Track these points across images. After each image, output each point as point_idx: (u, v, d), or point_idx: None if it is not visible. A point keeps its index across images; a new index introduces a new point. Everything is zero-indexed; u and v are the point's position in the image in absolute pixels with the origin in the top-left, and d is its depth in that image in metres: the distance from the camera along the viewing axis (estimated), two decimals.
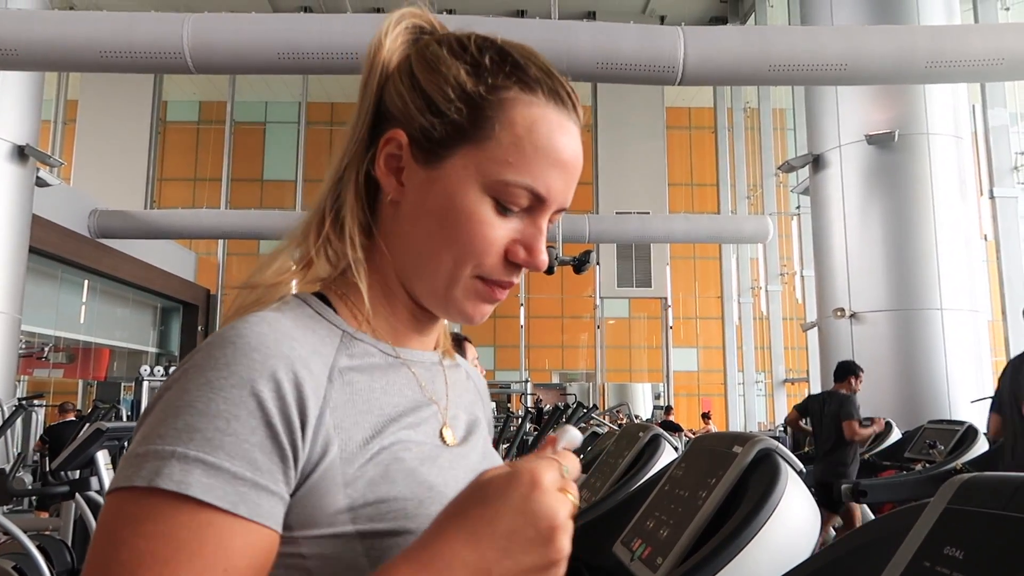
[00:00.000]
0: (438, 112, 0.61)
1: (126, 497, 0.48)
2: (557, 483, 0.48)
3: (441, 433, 0.64)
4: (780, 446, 1.01)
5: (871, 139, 6.85)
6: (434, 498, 0.58)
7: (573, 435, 0.54)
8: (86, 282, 11.40)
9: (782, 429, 9.75)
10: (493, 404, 16.28)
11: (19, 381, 8.08)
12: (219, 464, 0.48)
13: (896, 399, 6.39)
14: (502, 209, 0.60)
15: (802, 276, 11.51)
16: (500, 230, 0.60)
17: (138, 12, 5.79)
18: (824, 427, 4.86)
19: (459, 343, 2.50)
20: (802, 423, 5.32)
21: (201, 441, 0.48)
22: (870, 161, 6.94)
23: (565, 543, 0.48)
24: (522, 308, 15.72)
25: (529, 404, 14.03)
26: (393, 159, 0.62)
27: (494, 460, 0.71)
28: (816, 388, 9.60)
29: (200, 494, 0.47)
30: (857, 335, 6.79)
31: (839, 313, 6.92)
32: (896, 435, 5.50)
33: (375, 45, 0.65)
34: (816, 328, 7.58)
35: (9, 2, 6.43)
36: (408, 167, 0.62)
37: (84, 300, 11.53)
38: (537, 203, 0.61)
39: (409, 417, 0.61)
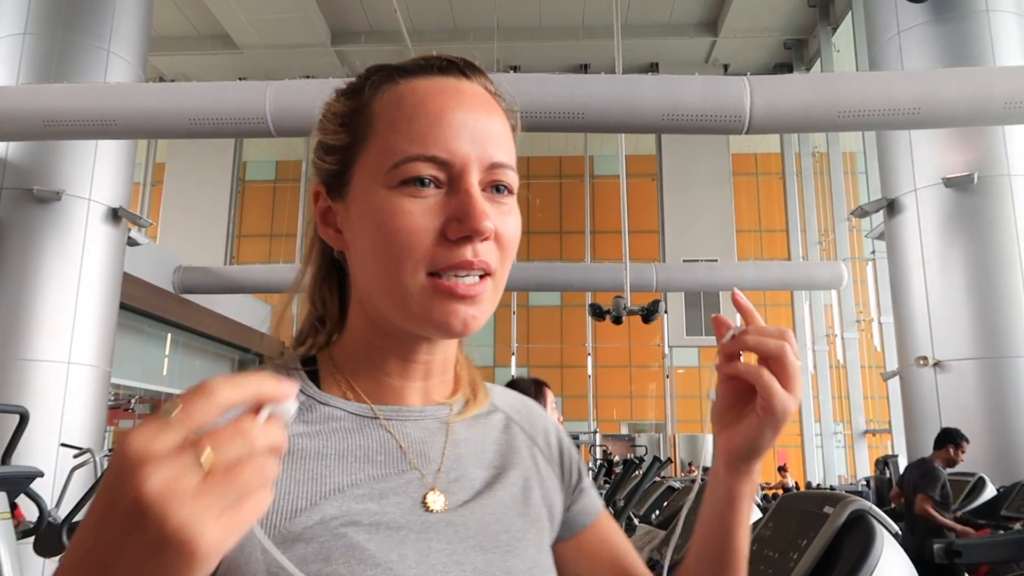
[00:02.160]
0: (330, 148, 0.61)
1: None
2: (153, 444, 0.34)
3: (424, 500, 0.57)
4: (874, 507, 0.99)
5: (949, 182, 6.66)
6: None
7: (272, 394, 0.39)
8: (169, 335, 11.88)
9: (864, 483, 9.35)
10: None
11: (106, 432, 8.42)
12: None
13: (989, 452, 6.06)
14: (415, 192, 0.55)
15: (880, 323, 11.14)
16: (421, 215, 0.55)
17: (224, 82, 6.14)
18: (911, 498, 4.60)
19: (539, 388, 2.47)
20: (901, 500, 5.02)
21: None
22: (949, 204, 6.74)
23: (168, 512, 0.33)
24: (589, 357, 15.62)
25: (598, 456, 13.83)
26: (327, 214, 0.62)
27: (502, 528, 0.60)
28: (899, 439, 9.20)
29: None
30: (943, 385, 6.51)
31: (922, 362, 6.66)
32: (991, 491, 5.22)
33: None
34: (898, 377, 7.30)
35: (108, 76, 6.91)
36: (337, 213, 0.61)
37: (167, 353, 12.00)
38: (447, 169, 0.56)
39: (367, 486, 0.55)
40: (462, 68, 0.60)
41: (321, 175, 0.62)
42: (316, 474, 0.54)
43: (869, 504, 1.05)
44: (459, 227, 0.55)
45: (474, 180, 0.56)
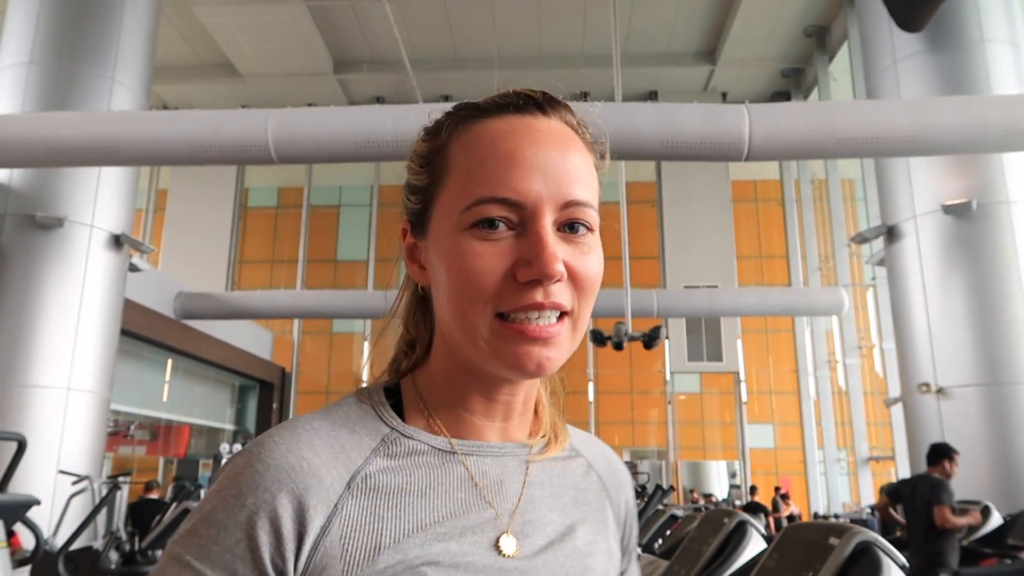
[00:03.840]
0: (413, 188, 0.62)
1: None
2: None
3: (497, 543, 0.56)
4: (880, 538, 0.99)
5: (948, 209, 6.69)
6: None
7: None
8: (170, 361, 11.86)
9: (869, 512, 9.28)
10: None
11: (105, 458, 8.37)
12: (202, 572, 0.50)
13: (993, 480, 6.02)
14: (485, 235, 0.55)
15: (882, 349, 11.12)
16: (492, 257, 0.55)
17: (227, 110, 6.19)
18: (917, 514, 4.59)
19: None
20: (893, 511, 5.03)
21: (196, 548, 0.50)
22: (948, 231, 6.76)
23: None
24: (591, 384, 15.57)
25: None
26: (413, 250, 0.63)
27: (591, 567, 0.61)
28: (903, 466, 9.15)
29: None
30: (946, 411, 6.49)
31: (925, 388, 6.64)
32: (996, 520, 5.17)
33: None
34: (900, 403, 7.27)
35: (112, 104, 6.97)
36: (420, 250, 0.62)
37: (167, 379, 11.97)
38: (518, 211, 0.55)
39: (448, 524, 0.55)
40: (540, 103, 0.60)
41: (407, 213, 0.64)
42: (399, 511, 0.54)
43: (875, 535, 1.04)
44: (528, 270, 0.54)
45: (546, 221, 0.55)
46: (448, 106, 0.64)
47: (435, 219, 0.59)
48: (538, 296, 0.54)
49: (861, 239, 7.81)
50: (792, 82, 14.34)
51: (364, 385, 0.64)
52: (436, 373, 0.62)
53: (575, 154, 0.58)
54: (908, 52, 7.17)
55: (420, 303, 0.66)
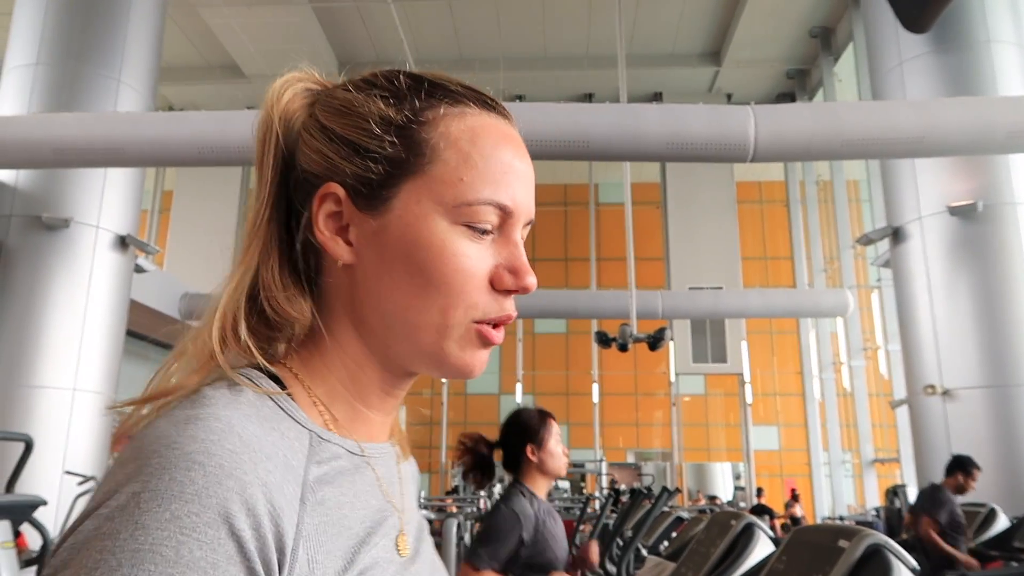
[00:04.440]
0: (367, 152, 0.54)
1: None
2: None
3: (396, 543, 0.55)
4: (890, 541, 0.98)
5: (954, 210, 6.67)
6: None
7: None
8: None
9: (874, 513, 9.26)
10: (567, 484, 15.94)
11: (110, 459, 8.41)
12: None
13: (1000, 482, 6.00)
14: (474, 235, 0.54)
15: (887, 351, 11.09)
16: (478, 259, 0.54)
17: (232, 111, 6.20)
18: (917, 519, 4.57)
19: (543, 419, 2.45)
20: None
21: None
22: (954, 232, 6.75)
23: None
24: (595, 385, 15.56)
25: (605, 485, 13.73)
26: (333, 219, 0.55)
27: (442, 572, 0.62)
28: (908, 468, 9.13)
29: None
30: (952, 413, 6.47)
31: (930, 390, 6.62)
32: (1003, 522, 5.15)
33: (265, 116, 0.59)
34: (906, 405, 7.25)
35: (118, 105, 6.99)
36: (353, 222, 0.55)
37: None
38: (506, 218, 0.55)
39: (376, 534, 0.53)
40: (508, 114, 0.59)
41: (341, 176, 0.55)
42: (343, 525, 0.50)
43: (886, 538, 1.03)
44: (512, 280, 0.55)
45: (520, 233, 0.57)
46: (398, 69, 0.60)
47: (404, 196, 0.54)
48: (511, 308, 0.55)
49: (866, 240, 7.79)
50: (797, 83, 14.33)
51: (222, 366, 0.51)
52: (334, 363, 0.56)
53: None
54: (914, 53, 7.15)
55: (291, 277, 0.56)
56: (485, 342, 0.55)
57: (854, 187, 14.79)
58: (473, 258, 0.53)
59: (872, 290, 12.85)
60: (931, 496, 4.50)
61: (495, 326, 0.55)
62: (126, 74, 7.17)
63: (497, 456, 2.33)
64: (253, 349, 0.53)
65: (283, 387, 0.53)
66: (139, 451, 0.43)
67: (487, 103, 0.58)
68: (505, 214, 0.55)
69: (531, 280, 0.55)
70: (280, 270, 0.56)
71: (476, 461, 2.27)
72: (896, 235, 7.28)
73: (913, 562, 0.99)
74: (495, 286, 0.54)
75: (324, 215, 0.55)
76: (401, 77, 0.58)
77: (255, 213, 0.57)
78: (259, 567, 0.41)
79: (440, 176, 0.54)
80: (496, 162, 0.55)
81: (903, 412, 7.99)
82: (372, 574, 0.50)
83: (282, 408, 0.51)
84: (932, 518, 4.39)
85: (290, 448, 0.49)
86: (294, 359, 0.56)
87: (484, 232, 0.54)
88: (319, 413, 0.54)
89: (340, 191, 0.54)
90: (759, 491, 12.47)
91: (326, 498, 0.49)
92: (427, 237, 0.53)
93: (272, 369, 0.54)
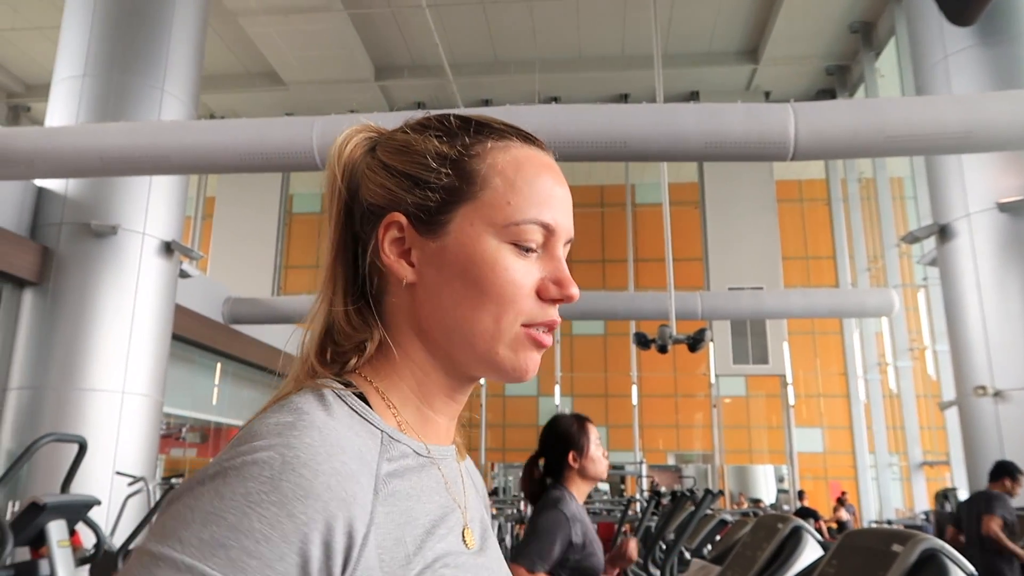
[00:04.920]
0: (426, 184, 0.62)
1: None
2: None
3: (463, 536, 0.61)
4: (946, 546, 0.96)
5: (1003, 207, 6.49)
6: None
7: None
8: (219, 365, 12.10)
9: (923, 517, 9.05)
10: (607, 486, 15.86)
11: (159, 460, 8.58)
12: None
13: None
14: (520, 252, 0.61)
15: (935, 351, 10.83)
16: (525, 273, 0.61)
17: (273, 118, 6.31)
18: (972, 531, 4.44)
19: (581, 424, 2.44)
20: (961, 537, 4.86)
21: (224, 561, 0.44)
22: (1004, 229, 6.56)
23: None
24: (634, 387, 15.46)
25: (645, 487, 13.62)
26: (397, 244, 0.63)
27: (507, 571, 0.67)
28: (959, 471, 8.90)
29: None
30: (1004, 415, 6.29)
31: (981, 391, 6.45)
32: None
33: (329, 171, 0.67)
34: (955, 407, 7.07)
35: (162, 114, 7.15)
36: (415, 246, 0.62)
37: (217, 382, 12.21)
38: (549, 236, 0.62)
39: (442, 527, 0.58)
40: (544, 147, 0.67)
41: (404, 206, 0.62)
42: (411, 516, 0.55)
43: (941, 543, 1.01)
44: (557, 290, 0.62)
45: (562, 249, 0.64)
46: (449, 112, 0.68)
47: (459, 220, 0.61)
48: (555, 314, 0.63)
49: (912, 239, 7.62)
50: (837, 80, 14.07)
51: (306, 379, 0.62)
52: (403, 371, 0.63)
53: None
54: (959, 47, 6.98)
55: (360, 297, 0.64)
56: (536, 344, 0.62)
57: (898, 184, 14.48)
58: (520, 272, 0.61)
59: (918, 289, 12.56)
60: (990, 498, 4.39)
61: (545, 331, 0.63)
62: (169, 84, 7.33)
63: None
64: (333, 365, 0.62)
65: (359, 395, 0.61)
66: (236, 442, 0.51)
67: (528, 138, 0.66)
68: (548, 232, 0.62)
69: (574, 290, 0.62)
70: (346, 300, 0.64)
71: (536, 485, 2.36)
72: (943, 233, 7.10)
73: (971, 567, 0.97)
74: (541, 296, 0.62)
75: (389, 241, 0.63)
76: (451, 118, 0.66)
77: (327, 254, 0.66)
78: (316, 552, 0.47)
79: (490, 201, 0.61)
80: (539, 187, 0.62)
81: (952, 414, 7.79)
82: (442, 563, 0.55)
83: (356, 411, 0.58)
84: (996, 515, 4.29)
85: (364, 445, 0.55)
86: (368, 370, 0.63)
87: (529, 249, 0.62)
88: (392, 416, 0.61)
89: (402, 219, 0.62)
90: (800, 493, 12.26)
91: (396, 491, 0.55)
92: (480, 254, 0.60)
93: (349, 380, 0.62)
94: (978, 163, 6.76)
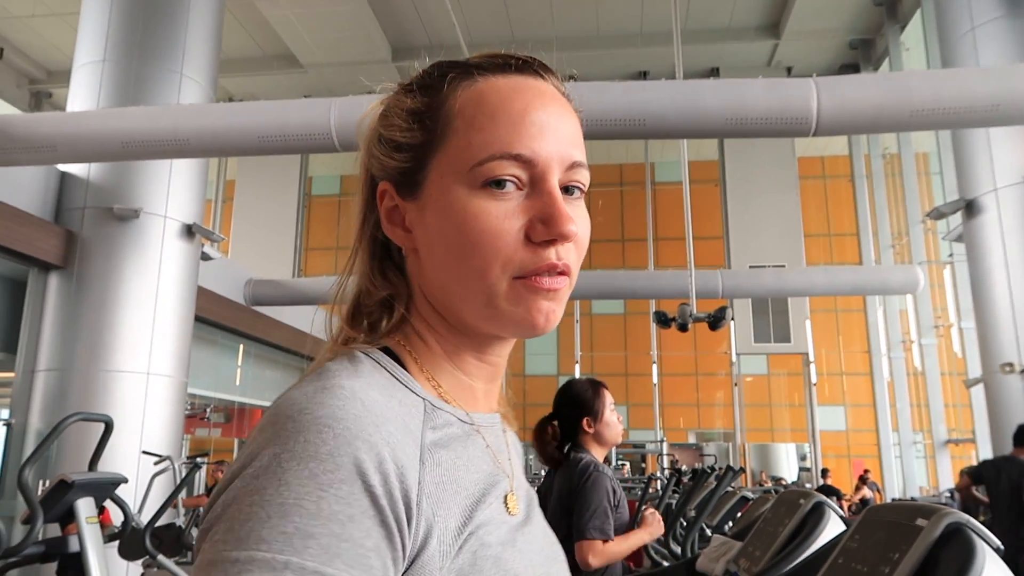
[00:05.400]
0: (400, 147, 0.59)
1: None
2: None
3: (506, 503, 0.58)
4: (972, 520, 0.94)
5: None
6: None
7: None
8: (241, 346, 12.23)
9: (948, 495, 8.98)
10: (627, 464, 15.89)
11: (184, 440, 8.71)
12: None
13: None
14: (496, 194, 0.55)
15: (960, 328, 10.69)
16: (506, 216, 0.54)
17: (291, 100, 6.31)
18: (1002, 498, 4.41)
19: (595, 388, 2.44)
20: (975, 491, 4.85)
21: (317, 550, 0.41)
22: None
23: None
24: (655, 366, 15.43)
25: (665, 465, 13.64)
26: (393, 213, 0.61)
27: (553, 539, 0.65)
28: (984, 449, 8.82)
29: None
30: None
31: (1008, 368, 6.36)
32: None
33: (358, 135, 0.65)
34: (981, 384, 6.99)
35: (181, 98, 7.18)
36: (405, 211, 0.60)
37: (239, 363, 12.35)
38: (529, 169, 0.55)
39: (490, 495, 0.55)
40: (536, 68, 0.61)
41: (388, 173, 0.60)
42: (459, 486, 0.53)
43: (967, 517, 0.99)
44: (545, 230, 0.54)
45: (555, 181, 0.56)
46: (436, 62, 0.63)
47: (433, 177, 0.57)
48: (552, 256, 0.55)
49: (938, 214, 7.50)
50: (860, 54, 13.82)
51: (341, 346, 0.60)
52: (427, 337, 0.60)
53: (572, 117, 0.60)
54: (987, 17, 6.82)
55: (384, 262, 0.64)
56: (536, 291, 0.55)
57: (923, 159, 14.23)
58: (497, 216, 0.54)
59: (944, 266, 12.39)
60: (1021, 468, 4.34)
61: (544, 276, 0.55)
62: (188, 67, 7.35)
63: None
64: (367, 331, 0.62)
65: (397, 360, 0.58)
66: (275, 417, 0.48)
67: (506, 66, 0.60)
68: (527, 165, 0.55)
69: (567, 227, 0.54)
70: (372, 267, 0.63)
71: (550, 447, 2.35)
72: (969, 208, 6.99)
73: (997, 541, 0.95)
74: (532, 238, 0.55)
75: (385, 211, 0.61)
76: (432, 69, 0.62)
77: (355, 230, 0.65)
78: (391, 519, 0.45)
79: (455, 147, 0.56)
80: (504, 117, 0.56)
81: (978, 391, 7.70)
82: (486, 531, 0.53)
83: (397, 378, 0.56)
84: None
85: (408, 414, 0.53)
86: (400, 337, 0.61)
87: (504, 188, 0.55)
88: (427, 381, 0.59)
89: (389, 187, 0.60)
90: (824, 472, 12.20)
91: (442, 460, 0.53)
92: (451, 206, 0.55)
93: (386, 344, 0.60)
94: (1006, 136, 6.63)
